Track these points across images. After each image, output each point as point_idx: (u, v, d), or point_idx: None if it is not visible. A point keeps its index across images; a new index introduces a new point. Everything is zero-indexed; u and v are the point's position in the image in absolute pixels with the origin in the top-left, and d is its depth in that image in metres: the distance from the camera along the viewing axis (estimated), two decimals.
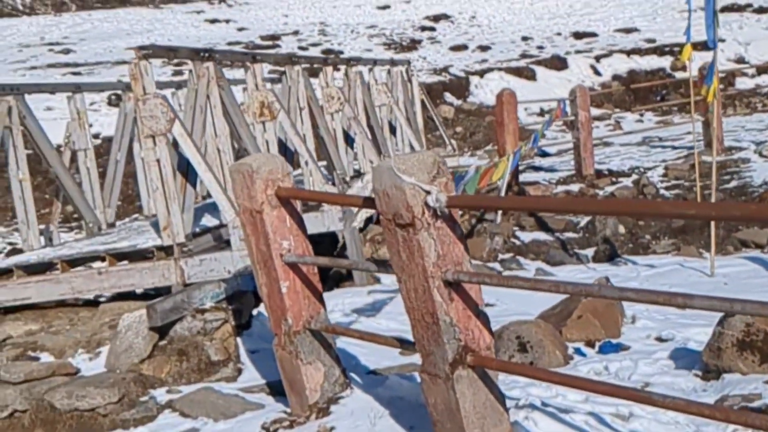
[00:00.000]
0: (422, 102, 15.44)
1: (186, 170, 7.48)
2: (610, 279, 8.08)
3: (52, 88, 10.02)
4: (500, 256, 12.32)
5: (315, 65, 10.85)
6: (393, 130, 13.70)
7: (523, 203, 4.52)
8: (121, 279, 7.23)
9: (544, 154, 19.54)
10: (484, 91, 23.80)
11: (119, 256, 7.44)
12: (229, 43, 30.56)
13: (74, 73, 25.38)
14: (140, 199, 11.47)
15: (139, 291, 7.62)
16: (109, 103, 23.04)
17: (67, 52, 30.38)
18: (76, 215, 12.79)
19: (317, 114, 10.54)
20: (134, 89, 7.15)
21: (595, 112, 20.89)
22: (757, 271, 10.31)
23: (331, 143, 10.69)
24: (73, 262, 7.56)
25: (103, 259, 7.43)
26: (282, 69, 10.51)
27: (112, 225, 9.76)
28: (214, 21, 37.09)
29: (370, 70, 13.08)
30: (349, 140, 11.61)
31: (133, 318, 6.39)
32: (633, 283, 9.73)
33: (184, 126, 7.24)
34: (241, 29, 34.52)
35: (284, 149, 9.55)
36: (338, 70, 12.00)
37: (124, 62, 26.91)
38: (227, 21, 37.04)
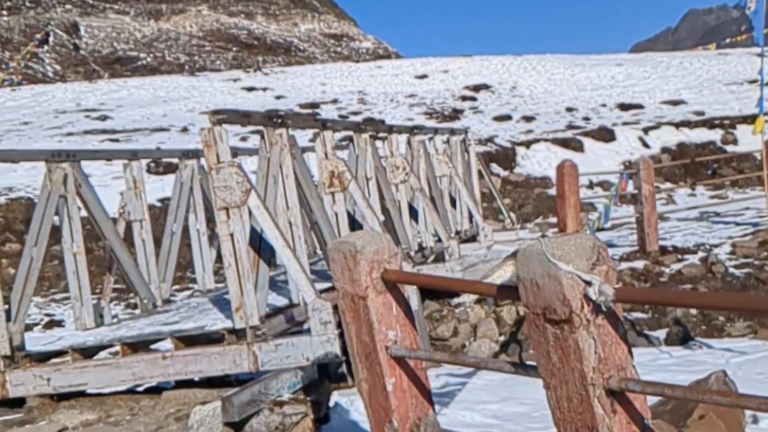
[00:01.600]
0: (479, 172, 14.86)
1: (259, 245, 6.88)
2: (695, 366, 7.34)
3: (109, 155, 9.52)
4: None
5: (380, 133, 10.30)
6: (453, 202, 13.09)
7: (702, 300, 3.74)
8: (187, 364, 6.56)
9: (600, 229, 18.87)
10: (531, 162, 23.24)
11: (185, 339, 6.78)
12: (268, 110, 30.34)
13: (112, 140, 25.14)
14: (194, 272, 10.85)
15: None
16: (149, 171, 22.68)
17: (104, 118, 30.29)
18: (126, 289, 12.20)
19: (383, 184, 9.95)
20: (207, 157, 6.58)
21: None
22: None
23: (396, 216, 10.08)
24: (133, 345, 6.91)
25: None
26: (346, 135, 9.98)
27: (167, 301, 9.13)
28: (251, 89, 37.10)
29: (431, 139, 12.53)
30: (413, 212, 11.00)
31: (206, 412, 5.70)
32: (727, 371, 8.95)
33: (261, 198, 6.65)
34: (278, 97, 34.44)
35: (353, 222, 8.94)
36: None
37: (162, 129, 26.76)
38: (264, 89, 37.03)
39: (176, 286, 13.81)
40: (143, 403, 6.62)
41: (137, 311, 9.10)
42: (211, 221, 10.65)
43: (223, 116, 6.66)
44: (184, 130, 26.40)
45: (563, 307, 3.47)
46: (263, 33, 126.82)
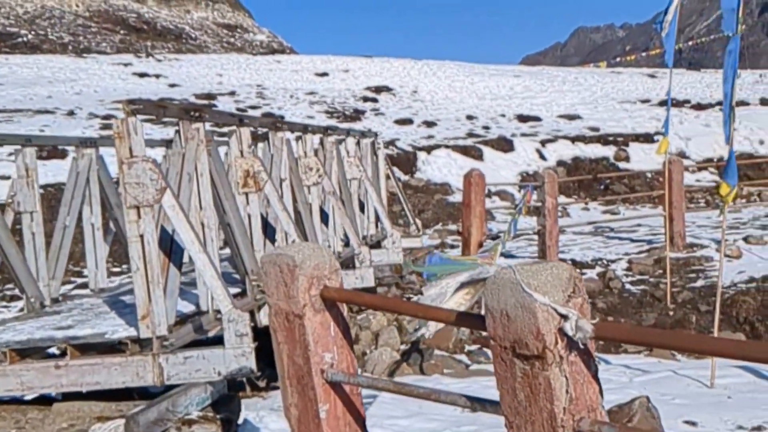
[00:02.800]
0: (386, 176, 14.58)
1: (170, 248, 6.34)
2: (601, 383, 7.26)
3: (1, 140, 8.72)
4: (467, 347, 11.58)
5: (295, 132, 9.85)
6: (361, 206, 12.75)
7: (694, 343, 3.53)
8: (83, 375, 5.96)
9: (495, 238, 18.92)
10: (432, 168, 23.16)
11: (82, 346, 6.17)
12: (161, 100, 29.25)
13: None
14: (85, 270, 10.12)
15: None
16: (40, 157, 21.37)
17: None
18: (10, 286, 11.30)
19: (296, 186, 9.50)
20: (119, 150, 6.00)
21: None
22: (758, 384, 9.73)
23: (308, 219, 9.65)
24: (22, 351, 6.25)
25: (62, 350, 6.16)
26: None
27: (56, 300, 8.40)
28: (143, 75, 35.73)
29: (342, 140, 12.15)
30: (323, 216, 10.59)
31: (107, 430, 5.16)
32: (632, 391, 8.98)
33: (176, 197, 6.12)
34: (172, 85, 33.28)
35: (265, 225, 8.46)
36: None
37: (46, 111, 25.39)
38: (157, 76, 35.74)
39: (66, 286, 12.96)
40: (31, 416, 5.98)
41: (23, 311, 8.34)
42: (107, 215, 9.97)
43: (139, 107, 6.11)
44: (71, 113, 25.11)
45: (536, 342, 3.15)
46: (153, 17, 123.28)
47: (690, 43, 21.80)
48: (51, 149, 18.96)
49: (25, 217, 8.41)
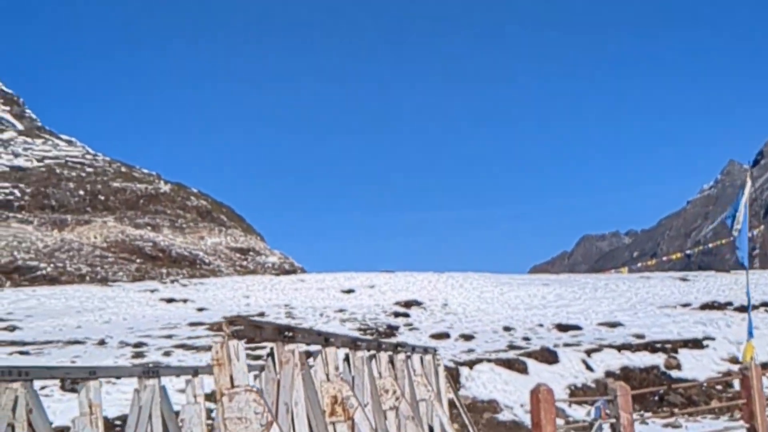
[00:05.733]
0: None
1: None
2: None
3: (65, 373, 8.00)
4: None
5: (371, 350, 9.09)
6: (429, 429, 11.73)
7: None
8: None
9: None
10: (476, 384, 22.09)
11: None
12: (191, 324, 28.71)
13: (21, 353, 22.97)
14: None
15: None
16: (63, 388, 20.53)
17: (12, 329, 28.03)
18: None
19: (376, 412, 8.63)
20: (218, 379, 5.27)
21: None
22: None
23: None
24: None
25: None
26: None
27: None
28: (170, 300, 35.43)
29: (409, 357, 11.36)
30: None
31: None
32: None
33: None
34: (201, 309, 32.85)
35: None
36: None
37: (76, 342, 24.76)
38: (184, 301, 35.43)
39: None
40: None
41: None
42: None
43: (240, 327, 5.43)
44: (101, 343, 24.45)
45: None
46: (169, 245, 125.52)
47: (699, 248, 21.41)
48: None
49: None
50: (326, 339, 7.43)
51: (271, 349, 6.25)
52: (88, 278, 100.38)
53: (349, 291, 37.57)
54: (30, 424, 6.63)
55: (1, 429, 6.40)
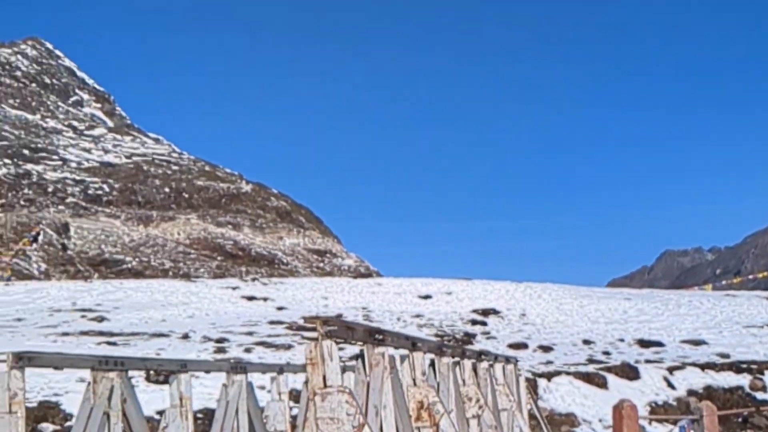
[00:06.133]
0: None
1: None
2: None
3: (158, 365, 8.22)
4: None
5: (455, 357, 9.07)
6: None
7: None
8: None
9: None
10: (554, 396, 21.81)
11: None
12: (271, 322, 29.13)
13: (109, 343, 23.64)
14: None
15: None
16: (147, 378, 21.02)
17: (100, 320, 28.89)
18: None
19: (459, 419, 8.62)
20: (311, 378, 5.33)
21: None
22: None
23: None
24: None
25: None
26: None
27: None
28: (251, 298, 36.01)
29: (492, 365, 11.30)
30: None
31: None
32: None
33: None
34: (280, 308, 33.28)
35: None
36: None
37: (161, 335, 25.35)
38: (265, 299, 35.95)
39: None
40: None
41: None
42: None
43: (333, 327, 5.49)
44: (185, 337, 25.00)
45: None
46: (249, 244, 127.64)
47: None
48: (169, 373, 18.52)
49: None
50: (413, 343, 7.45)
51: (361, 351, 6.30)
52: (170, 273, 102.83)
53: (426, 297, 37.55)
54: (124, 414, 6.83)
55: (97, 417, 6.60)
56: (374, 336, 6.36)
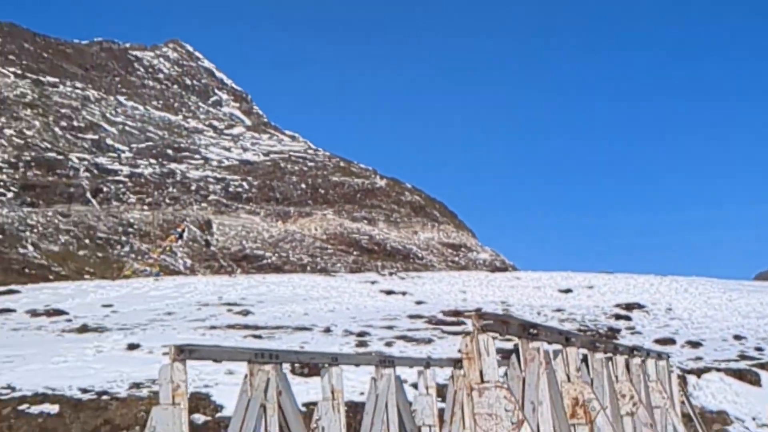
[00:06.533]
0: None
1: None
2: None
3: (310, 358, 8.36)
4: None
5: (607, 353, 8.80)
6: None
7: None
8: None
9: None
10: (705, 393, 20.95)
11: None
12: (410, 316, 29.25)
13: (255, 336, 24.31)
14: None
15: None
16: (293, 372, 21.45)
17: (246, 313, 29.80)
18: None
19: (613, 417, 8.35)
20: (468, 373, 5.27)
21: None
22: None
23: None
24: None
25: None
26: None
27: None
28: (390, 292, 36.35)
29: (643, 361, 10.92)
30: None
31: None
32: None
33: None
34: (419, 302, 33.46)
35: None
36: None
37: (304, 328, 25.87)
38: (403, 293, 36.22)
39: None
40: None
41: None
42: None
43: (489, 321, 5.40)
44: (327, 330, 25.44)
45: None
46: (384, 239, 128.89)
47: None
48: (314, 366, 18.86)
49: None
50: (567, 338, 7.27)
51: (516, 345, 6.19)
52: (308, 268, 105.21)
53: (567, 291, 36.86)
54: (280, 406, 6.96)
55: (254, 409, 6.74)
56: (529, 330, 6.23)
